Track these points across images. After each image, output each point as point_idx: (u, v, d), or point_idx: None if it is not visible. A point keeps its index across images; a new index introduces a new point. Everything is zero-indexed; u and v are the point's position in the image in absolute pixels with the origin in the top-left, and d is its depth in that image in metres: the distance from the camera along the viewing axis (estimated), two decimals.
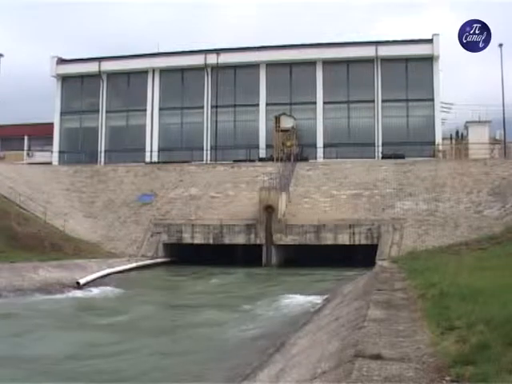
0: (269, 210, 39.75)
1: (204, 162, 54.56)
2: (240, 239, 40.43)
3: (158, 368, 12.45)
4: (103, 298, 25.17)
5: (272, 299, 23.02)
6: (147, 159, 55.96)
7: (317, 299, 21.94)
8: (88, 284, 27.50)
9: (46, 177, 48.76)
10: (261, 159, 52.38)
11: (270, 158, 51.76)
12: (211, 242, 40.74)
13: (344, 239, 38.51)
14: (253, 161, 51.59)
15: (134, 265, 35.16)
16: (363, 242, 38.36)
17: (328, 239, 38.73)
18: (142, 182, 47.99)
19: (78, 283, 26.88)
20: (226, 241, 40.57)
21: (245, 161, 51.49)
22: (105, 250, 38.89)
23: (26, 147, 66.77)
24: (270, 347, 13.41)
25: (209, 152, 55.87)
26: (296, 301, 22.24)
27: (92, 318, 19.85)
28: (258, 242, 39.69)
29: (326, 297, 21.66)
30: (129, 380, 11.78)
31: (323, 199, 42.62)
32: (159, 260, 39.21)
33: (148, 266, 36.79)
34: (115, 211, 44.51)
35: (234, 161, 51.33)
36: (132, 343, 15.20)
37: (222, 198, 44.40)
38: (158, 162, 54.60)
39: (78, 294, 25.42)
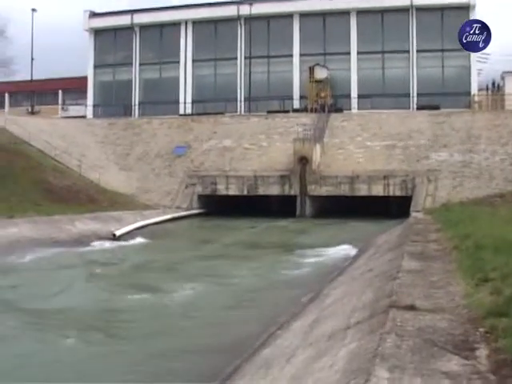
0: (303, 161, 39.65)
1: (238, 113, 54.31)
2: (274, 190, 40.49)
3: None
4: (140, 248, 25.54)
5: (306, 250, 23.15)
6: (181, 111, 55.87)
7: (351, 250, 22.03)
8: (124, 235, 27.90)
9: (80, 130, 49.01)
10: (295, 110, 51.88)
11: (304, 109, 51.23)
12: (245, 193, 40.84)
13: (378, 190, 38.38)
14: (287, 112, 51.14)
15: (169, 216, 35.50)
16: (397, 193, 38.20)
17: (362, 190, 38.63)
18: (175, 134, 47.97)
19: (114, 235, 27.29)
20: (260, 192, 40.64)
21: (279, 112, 50.98)
22: (140, 202, 39.19)
23: (60, 101, 67.10)
24: (306, 296, 13.55)
25: (242, 103, 55.64)
26: (330, 251, 22.36)
27: (133, 268, 20.16)
28: (293, 193, 39.67)
29: (359, 248, 21.72)
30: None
31: (357, 150, 42.32)
32: (194, 211, 39.45)
33: (183, 218, 37.09)
34: (149, 163, 44.72)
35: (268, 112, 50.77)
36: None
37: (255, 150, 44.31)
38: (192, 114, 54.47)
39: (115, 245, 25.79)
